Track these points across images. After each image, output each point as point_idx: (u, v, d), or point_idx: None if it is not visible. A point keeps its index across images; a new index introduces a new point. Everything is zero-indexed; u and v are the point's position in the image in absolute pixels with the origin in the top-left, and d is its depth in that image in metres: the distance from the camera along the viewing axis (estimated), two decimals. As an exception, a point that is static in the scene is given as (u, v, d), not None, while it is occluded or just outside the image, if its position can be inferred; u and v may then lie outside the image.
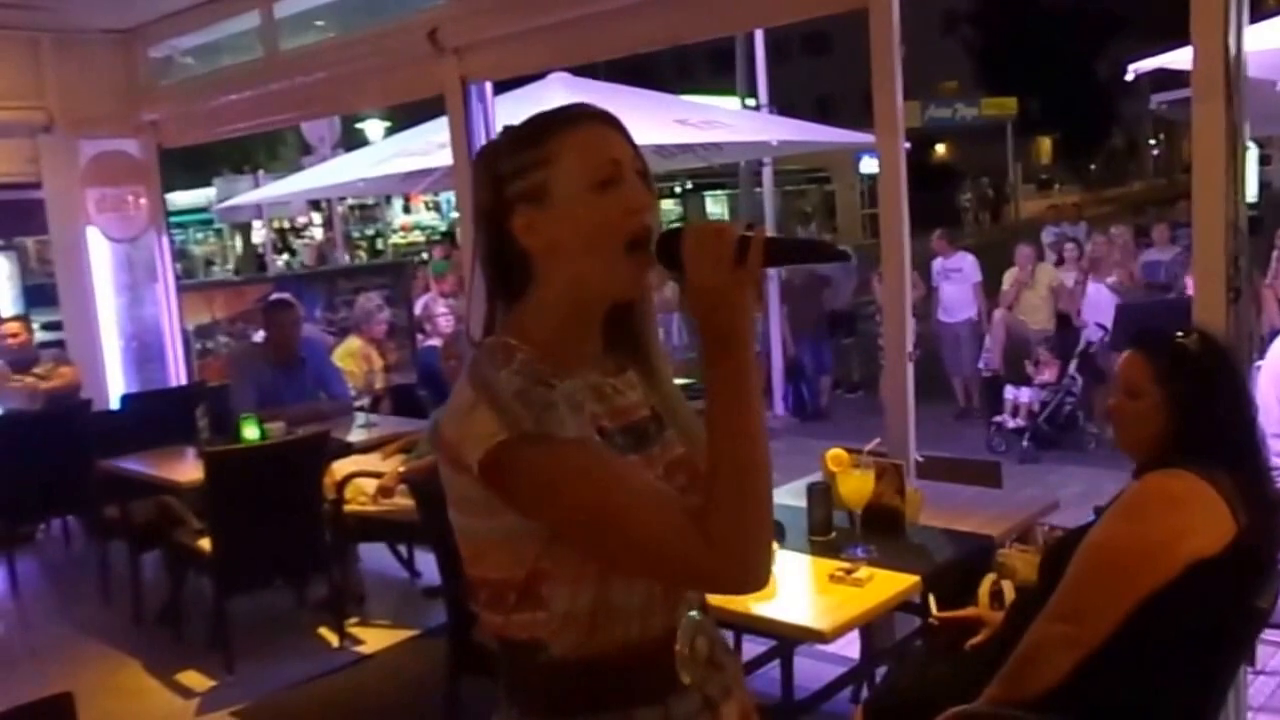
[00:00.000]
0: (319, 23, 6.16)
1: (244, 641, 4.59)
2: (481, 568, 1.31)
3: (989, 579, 2.66)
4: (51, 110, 6.38)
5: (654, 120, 6.76)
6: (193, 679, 4.51)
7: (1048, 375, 8.08)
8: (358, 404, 5.70)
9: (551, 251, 1.29)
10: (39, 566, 6.33)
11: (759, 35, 8.94)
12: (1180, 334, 2.25)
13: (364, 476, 4.86)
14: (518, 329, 1.31)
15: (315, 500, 4.65)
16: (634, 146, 1.33)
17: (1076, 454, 7.48)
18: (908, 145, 3.71)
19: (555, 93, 7.22)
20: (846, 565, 2.74)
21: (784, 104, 12.13)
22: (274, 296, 6.58)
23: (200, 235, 17.15)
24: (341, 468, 4.91)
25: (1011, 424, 8.05)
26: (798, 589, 2.75)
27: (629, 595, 1.29)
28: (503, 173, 1.31)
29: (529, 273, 1.32)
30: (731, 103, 10.76)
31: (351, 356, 6.50)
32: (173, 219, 15.86)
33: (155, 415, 5.59)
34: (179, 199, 14.15)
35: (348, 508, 4.83)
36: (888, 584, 2.68)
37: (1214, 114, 2.89)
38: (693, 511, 1.21)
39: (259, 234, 16.63)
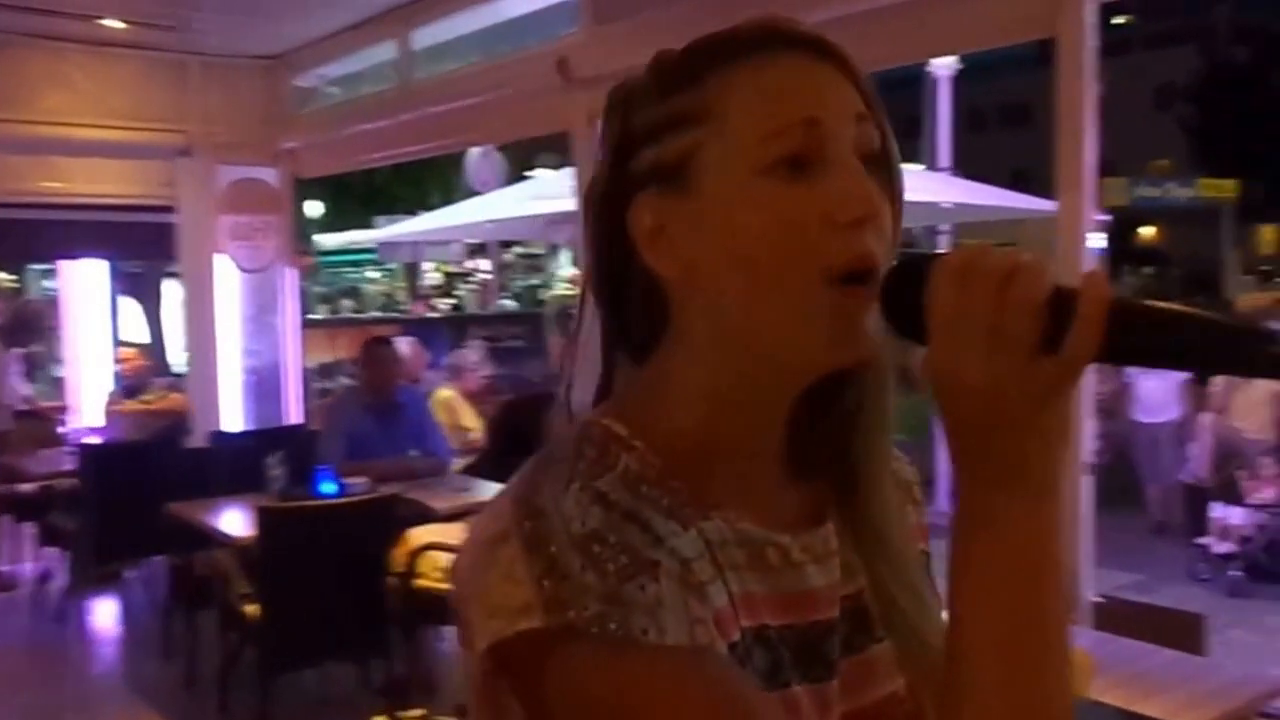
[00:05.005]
0: (471, 56, 5.84)
1: (292, 720, 4.15)
2: None
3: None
4: (192, 134, 6.21)
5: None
6: (230, 760, 4.10)
7: (1268, 494, 6.83)
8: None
9: (691, 279, 0.71)
10: (114, 611, 6.10)
11: (945, 97, 8.29)
12: None
13: (440, 549, 4.30)
14: (637, 409, 0.73)
15: (379, 572, 4.15)
16: (868, 101, 0.72)
17: (1305, 592, 6.25)
18: (1108, 217, 3.02)
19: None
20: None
21: (977, 173, 11.34)
22: (376, 335, 6.23)
23: (373, 275, 17.63)
24: (417, 536, 4.37)
25: (1218, 548, 6.83)
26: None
27: None
28: (633, 129, 0.72)
29: (663, 310, 0.73)
30: (916, 169, 10.10)
31: (440, 406, 6.01)
32: (347, 257, 16.29)
33: (244, 457, 5.19)
34: (356, 236, 14.42)
35: (419, 583, 4.28)
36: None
37: None
38: None
39: (432, 276, 16.78)
